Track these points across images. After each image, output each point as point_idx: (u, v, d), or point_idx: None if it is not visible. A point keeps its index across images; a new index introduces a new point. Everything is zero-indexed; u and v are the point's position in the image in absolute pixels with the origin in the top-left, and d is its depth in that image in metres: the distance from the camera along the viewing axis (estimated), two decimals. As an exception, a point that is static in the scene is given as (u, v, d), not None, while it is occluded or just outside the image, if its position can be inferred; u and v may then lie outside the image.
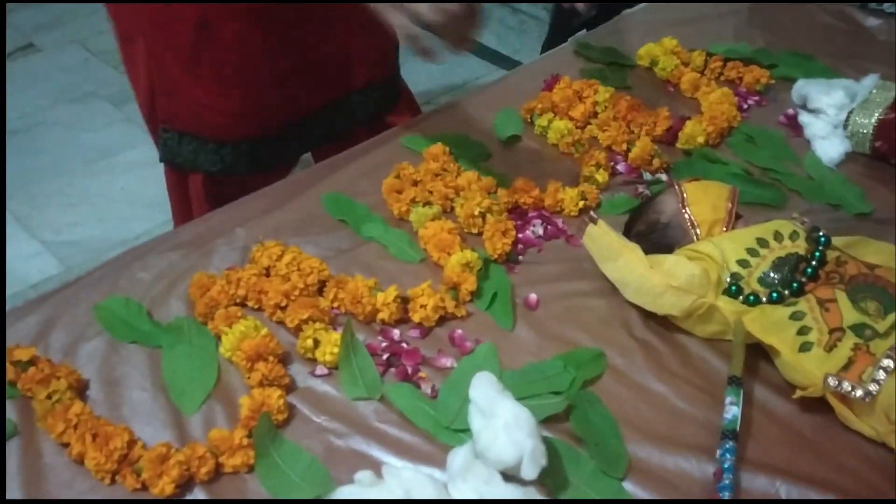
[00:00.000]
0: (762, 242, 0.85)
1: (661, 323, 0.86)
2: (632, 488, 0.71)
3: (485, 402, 0.71)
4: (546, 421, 0.75)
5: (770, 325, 0.79)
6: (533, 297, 0.89)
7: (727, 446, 0.72)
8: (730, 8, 1.47)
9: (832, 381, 0.74)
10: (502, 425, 0.69)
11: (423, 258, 0.93)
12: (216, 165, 1.14)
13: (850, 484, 0.71)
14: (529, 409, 0.72)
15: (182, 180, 1.19)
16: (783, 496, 0.70)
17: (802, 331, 0.78)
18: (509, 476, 0.68)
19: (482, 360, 0.81)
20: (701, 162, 1.10)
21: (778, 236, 0.86)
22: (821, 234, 0.86)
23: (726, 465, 0.70)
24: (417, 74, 1.31)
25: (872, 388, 0.72)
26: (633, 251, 0.85)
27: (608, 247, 0.87)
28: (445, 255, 0.91)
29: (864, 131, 1.12)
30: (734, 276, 0.84)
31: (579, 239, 0.92)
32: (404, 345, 0.83)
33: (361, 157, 1.07)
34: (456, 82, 1.32)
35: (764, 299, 0.81)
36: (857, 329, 0.76)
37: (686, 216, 0.92)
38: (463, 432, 0.74)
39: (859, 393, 0.72)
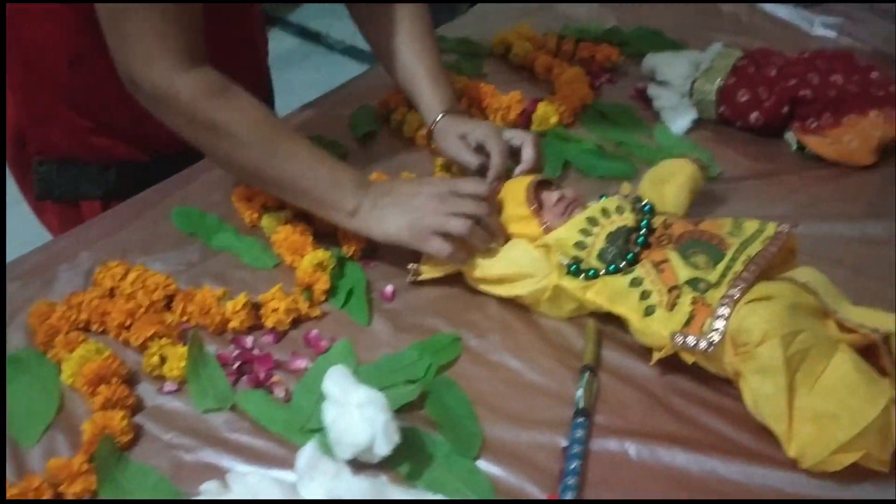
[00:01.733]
0: (592, 221, 0.86)
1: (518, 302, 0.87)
2: (487, 466, 0.71)
3: (339, 391, 0.70)
4: (402, 410, 0.75)
5: (614, 294, 0.81)
6: (389, 289, 0.88)
7: (575, 421, 0.73)
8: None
9: (678, 339, 0.76)
10: (356, 405, 0.68)
11: (278, 263, 0.92)
12: (100, 189, 1.09)
13: (700, 436, 0.73)
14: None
15: (74, 212, 1.13)
16: (633, 455, 0.71)
17: (644, 295, 0.80)
18: (359, 469, 0.68)
19: (337, 357, 0.80)
20: (555, 142, 1.11)
21: (605, 213, 0.87)
22: (644, 203, 0.88)
23: (575, 437, 0.71)
24: (295, 83, 1.29)
25: (714, 337, 0.74)
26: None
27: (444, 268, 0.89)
28: (299, 257, 0.90)
29: (709, 98, 1.15)
30: (575, 258, 0.85)
31: None
32: (256, 351, 0.81)
33: (213, 168, 1.05)
34: (301, 86, 1.29)
35: (602, 272, 0.83)
36: (692, 283, 0.78)
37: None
38: (318, 432, 0.73)
39: (703, 345, 0.74)
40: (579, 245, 0.85)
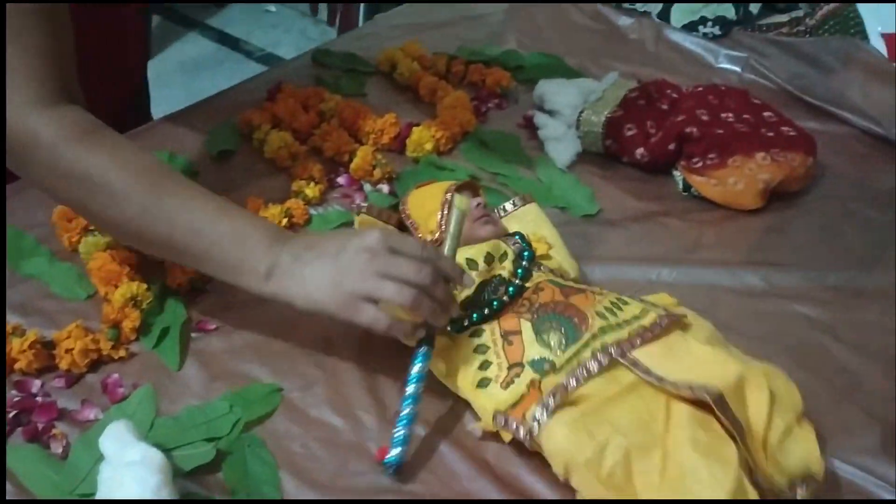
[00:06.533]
0: (471, 265, 0.78)
1: (352, 349, 0.79)
2: (277, 544, 0.62)
3: (115, 449, 0.61)
4: (196, 473, 0.66)
5: (455, 355, 0.74)
6: (211, 326, 0.80)
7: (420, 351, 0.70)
8: (486, 10, 1.43)
9: (500, 420, 0.69)
10: (126, 464, 0.60)
11: (92, 294, 0.82)
12: None
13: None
14: (176, 461, 0.64)
15: None
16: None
17: (483, 365, 0.72)
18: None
19: (135, 408, 0.71)
20: (428, 170, 1.03)
21: (489, 258, 0.79)
22: (523, 263, 0.79)
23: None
24: (206, 90, 1.19)
25: (535, 428, 0.66)
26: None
27: None
28: (113, 289, 0.80)
29: (596, 130, 1.08)
30: None
31: None
32: (40, 398, 0.71)
33: (42, 183, 0.95)
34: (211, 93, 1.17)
35: (449, 328, 0.75)
36: (537, 364, 0.69)
37: (408, 221, 0.88)
38: (90, 496, 0.63)
39: (522, 433, 0.67)
40: None
